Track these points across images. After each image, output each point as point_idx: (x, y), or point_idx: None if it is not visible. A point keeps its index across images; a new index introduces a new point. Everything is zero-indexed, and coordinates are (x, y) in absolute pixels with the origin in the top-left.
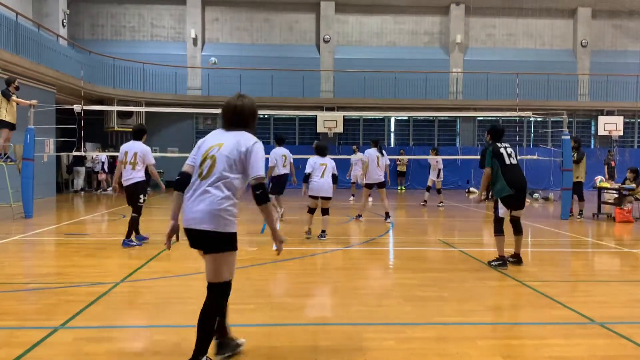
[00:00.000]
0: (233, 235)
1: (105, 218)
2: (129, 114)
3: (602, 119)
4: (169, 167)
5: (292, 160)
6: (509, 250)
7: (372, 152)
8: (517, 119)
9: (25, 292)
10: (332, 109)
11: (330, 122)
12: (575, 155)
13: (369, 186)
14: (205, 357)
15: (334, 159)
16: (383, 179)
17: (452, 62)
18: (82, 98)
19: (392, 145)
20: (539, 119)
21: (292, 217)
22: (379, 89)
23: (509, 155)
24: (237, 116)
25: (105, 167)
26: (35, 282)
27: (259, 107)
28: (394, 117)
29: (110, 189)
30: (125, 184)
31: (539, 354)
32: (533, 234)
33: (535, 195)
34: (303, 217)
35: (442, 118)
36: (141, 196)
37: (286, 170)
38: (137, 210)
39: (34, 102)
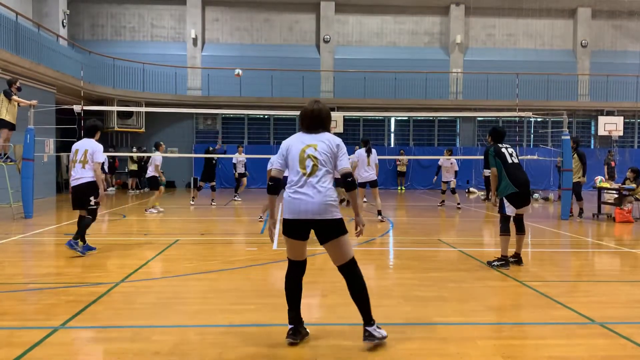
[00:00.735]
0: (342, 220)
1: (105, 218)
2: (129, 114)
3: (602, 119)
4: (169, 167)
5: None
6: (510, 250)
7: (362, 152)
8: (517, 119)
9: (25, 292)
10: (332, 109)
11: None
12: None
13: (361, 185)
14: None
15: None
16: (375, 177)
17: (452, 63)
18: (82, 98)
19: (392, 145)
20: (539, 119)
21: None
22: (379, 89)
23: (511, 155)
24: (316, 119)
25: (105, 167)
26: (35, 282)
27: (258, 107)
28: (394, 117)
29: (110, 189)
30: (73, 184)
31: (539, 354)
32: (533, 234)
33: (536, 195)
34: None
35: (442, 118)
36: (92, 198)
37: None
38: (91, 213)
39: (34, 102)
